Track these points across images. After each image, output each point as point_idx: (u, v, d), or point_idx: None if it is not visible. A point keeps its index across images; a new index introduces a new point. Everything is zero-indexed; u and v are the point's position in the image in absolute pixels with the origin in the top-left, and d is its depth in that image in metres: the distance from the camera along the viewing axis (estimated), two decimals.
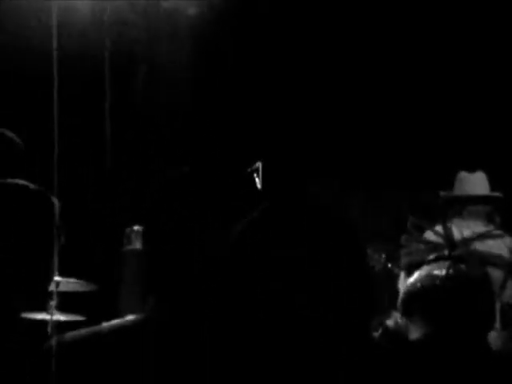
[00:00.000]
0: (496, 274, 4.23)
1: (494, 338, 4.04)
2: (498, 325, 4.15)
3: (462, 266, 2.13)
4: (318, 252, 1.64)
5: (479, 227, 4.27)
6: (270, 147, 4.89)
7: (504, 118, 5.61)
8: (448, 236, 3.57)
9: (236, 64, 5.47)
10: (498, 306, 4.18)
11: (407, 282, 2.13)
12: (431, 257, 2.19)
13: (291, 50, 5.49)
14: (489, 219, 4.33)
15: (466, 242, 3.94)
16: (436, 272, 2.09)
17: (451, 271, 2.10)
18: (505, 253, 4.24)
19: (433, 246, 3.13)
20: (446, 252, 2.25)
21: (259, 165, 3.03)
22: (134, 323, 1.78)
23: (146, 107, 5.57)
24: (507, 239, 4.30)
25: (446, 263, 2.11)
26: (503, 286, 4.29)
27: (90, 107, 5.26)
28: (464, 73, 5.62)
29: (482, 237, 4.07)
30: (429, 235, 3.92)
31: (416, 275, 2.11)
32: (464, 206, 4.31)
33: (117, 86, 5.16)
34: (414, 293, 2.11)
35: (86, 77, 5.21)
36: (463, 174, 4.40)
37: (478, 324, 2.20)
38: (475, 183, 4.36)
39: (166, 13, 5.40)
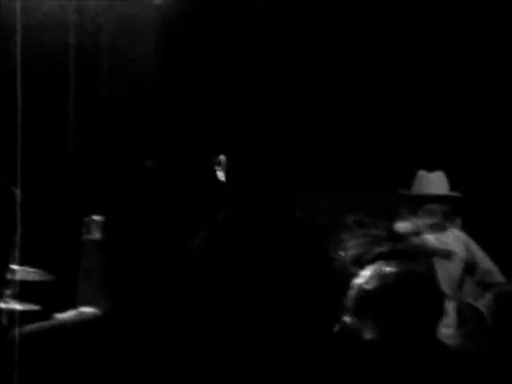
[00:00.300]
0: (452, 269, 4.28)
1: (450, 335, 4.10)
2: (454, 322, 4.21)
3: (410, 263, 2.15)
4: (283, 254, 1.65)
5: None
6: (237, 142, 4.89)
7: (461, 119, 5.69)
8: (390, 229, 3.59)
9: (204, 57, 5.45)
10: (455, 303, 4.26)
11: (356, 282, 2.14)
12: (376, 251, 2.20)
13: (258, 44, 5.49)
14: (446, 218, 4.38)
15: (409, 235, 3.95)
16: (384, 271, 2.11)
17: (399, 269, 2.11)
18: (455, 246, 4.28)
19: (375, 239, 3.16)
20: (390, 246, 2.26)
21: (223, 158, 3.03)
22: (94, 317, 1.76)
23: (109, 100, 5.52)
24: (459, 234, 4.34)
25: (393, 261, 2.12)
26: (461, 284, 4.35)
27: (53, 99, 5.21)
28: (421, 74, 5.67)
29: (428, 229, 4.09)
30: (371, 231, 3.94)
31: (364, 275, 2.12)
32: (421, 204, 4.34)
33: (82, 78, 5.12)
34: (364, 294, 2.11)
35: (50, 69, 5.16)
36: (422, 173, 4.43)
37: (429, 320, 2.22)
38: (434, 182, 4.39)
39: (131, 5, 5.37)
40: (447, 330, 4.12)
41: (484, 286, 4.33)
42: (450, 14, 5.56)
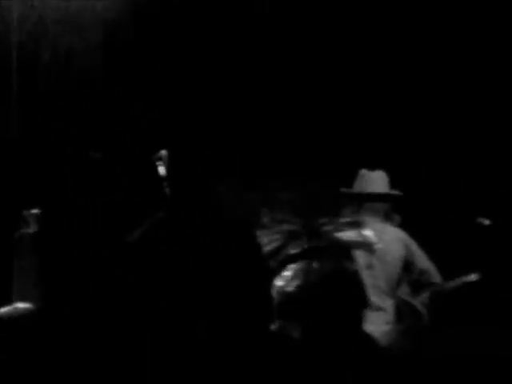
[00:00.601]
0: (391, 267, 4.32)
1: (388, 332, 4.14)
2: (392, 319, 4.26)
3: (331, 260, 2.16)
4: (217, 251, 1.63)
5: (376, 224, 4.36)
6: (178, 137, 4.84)
7: (402, 119, 5.75)
8: (308, 225, 3.60)
9: (150, 49, 5.40)
10: (393, 301, 4.31)
11: (277, 284, 2.13)
12: (291, 252, 2.20)
13: (200, 42, 5.47)
14: (386, 217, 4.43)
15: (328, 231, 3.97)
16: (306, 269, 2.11)
17: (322, 267, 2.12)
18: (394, 244, 4.32)
19: (291, 234, 3.17)
20: (306, 243, 2.27)
21: (164, 153, 3.00)
22: (29, 312, 1.73)
23: (53, 93, 5.43)
24: (399, 233, 4.39)
25: (315, 260, 2.13)
26: (399, 282, 4.40)
27: None
28: (364, 74, 5.72)
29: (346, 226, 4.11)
30: (283, 227, 3.93)
31: (285, 275, 2.12)
32: (362, 203, 4.38)
33: (26, 71, 5.04)
34: (286, 297, 2.12)
35: None
36: (364, 172, 4.48)
37: (354, 314, 2.23)
38: (375, 181, 4.44)
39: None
40: (385, 326, 4.16)
41: (421, 285, 4.39)
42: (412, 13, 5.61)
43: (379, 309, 4.15)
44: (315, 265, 2.12)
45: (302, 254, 2.14)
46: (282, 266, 2.17)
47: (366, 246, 4.06)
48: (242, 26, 5.54)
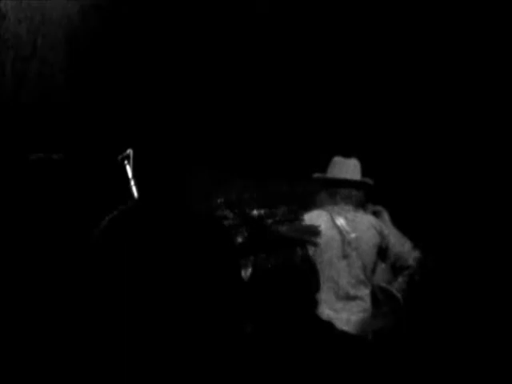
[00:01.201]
0: (366, 254, 4.34)
1: (364, 320, 4.16)
2: (369, 307, 4.28)
3: (272, 257, 2.19)
4: (184, 249, 1.63)
5: (350, 212, 4.38)
6: (144, 135, 4.83)
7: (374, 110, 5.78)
8: (245, 216, 3.60)
9: (109, 48, 5.38)
10: (369, 288, 4.33)
11: None
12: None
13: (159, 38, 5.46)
14: (358, 204, 4.45)
15: (268, 222, 3.98)
16: (249, 264, 2.14)
17: (272, 260, 2.15)
18: (368, 231, 4.35)
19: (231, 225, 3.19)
20: (245, 232, 2.30)
21: (130, 152, 2.97)
22: None
23: (18, 93, 5.39)
24: (372, 219, 4.42)
25: (257, 255, 2.16)
26: (374, 269, 4.42)
27: None
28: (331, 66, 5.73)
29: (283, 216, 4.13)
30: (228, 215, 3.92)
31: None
32: (337, 189, 4.40)
33: None
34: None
35: None
36: (338, 159, 4.49)
37: (297, 303, 2.27)
38: (348, 168, 4.44)
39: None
40: (362, 314, 4.18)
41: (396, 269, 4.41)
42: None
43: (356, 297, 4.17)
44: (262, 258, 2.14)
45: (246, 246, 2.15)
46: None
47: (310, 238, 4.08)
48: (219, 27, 5.53)
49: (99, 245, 1.58)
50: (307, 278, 2.29)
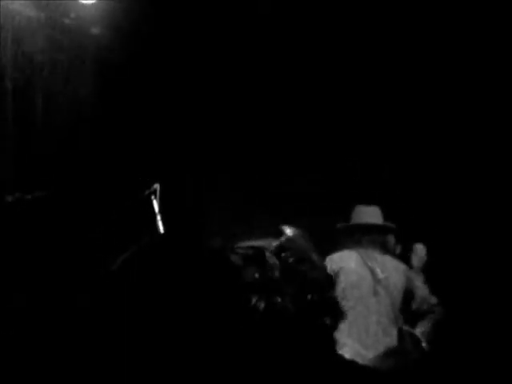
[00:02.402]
0: (394, 298, 4.36)
1: (393, 356, 4.16)
2: (395, 346, 4.27)
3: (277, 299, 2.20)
4: (201, 287, 1.63)
5: (378, 255, 4.45)
6: (169, 169, 4.85)
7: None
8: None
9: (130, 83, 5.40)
10: (396, 330, 4.34)
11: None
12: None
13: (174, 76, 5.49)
14: (383, 248, 4.53)
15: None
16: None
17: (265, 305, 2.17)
18: (395, 275, 4.39)
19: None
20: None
21: (157, 187, 2.99)
22: None
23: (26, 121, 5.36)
24: (398, 263, 4.47)
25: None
26: (401, 312, 4.43)
27: None
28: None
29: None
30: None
31: None
32: (362, 235, 4.52)
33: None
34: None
35: None
36: (359, 207, 4.65)
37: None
38: (370, 214, 4.62)
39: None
40: (389, 352, 4.19)
41: (421, 313, 4.43)
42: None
43: (385, 335, 4.22)
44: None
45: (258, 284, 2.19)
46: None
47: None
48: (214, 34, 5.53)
49: (111, 284, 1.58)
50: (330, 319, 2.29)
